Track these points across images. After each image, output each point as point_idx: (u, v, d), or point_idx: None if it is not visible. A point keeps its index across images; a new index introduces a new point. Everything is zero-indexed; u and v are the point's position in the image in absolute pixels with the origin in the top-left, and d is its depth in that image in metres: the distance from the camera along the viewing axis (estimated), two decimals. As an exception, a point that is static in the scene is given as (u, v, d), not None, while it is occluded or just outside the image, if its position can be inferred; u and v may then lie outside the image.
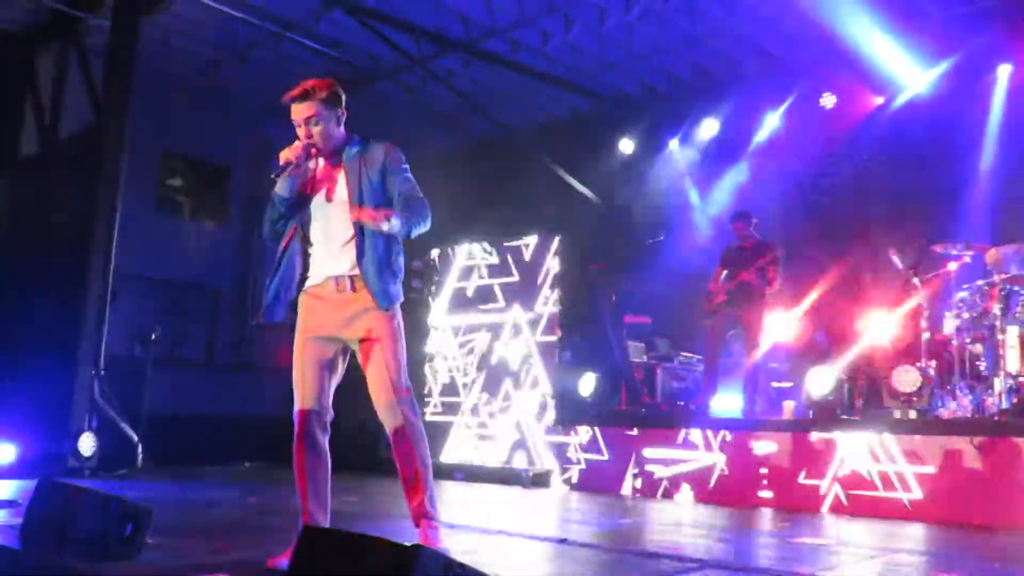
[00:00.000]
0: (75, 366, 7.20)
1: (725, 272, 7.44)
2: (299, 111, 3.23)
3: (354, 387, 10.45)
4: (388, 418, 3.30)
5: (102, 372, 7.32)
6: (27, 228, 8.66)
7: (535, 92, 9.77)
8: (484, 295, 8.56)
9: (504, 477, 7.66)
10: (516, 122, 10.19)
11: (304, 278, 3.33)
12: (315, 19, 8.43)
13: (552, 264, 8.04)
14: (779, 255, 7.19)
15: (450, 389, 8.62)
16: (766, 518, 5.54)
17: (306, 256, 3.33)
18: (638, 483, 6.86)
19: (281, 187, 3.24)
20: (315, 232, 3.31)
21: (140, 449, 7.31)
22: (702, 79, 9.11)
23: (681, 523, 5.28)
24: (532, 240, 8.25)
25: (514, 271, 8.31)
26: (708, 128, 9.14)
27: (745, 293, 7.15)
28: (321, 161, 3.32)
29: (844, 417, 6.39)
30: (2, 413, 7.16)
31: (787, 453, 6.12)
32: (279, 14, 8.37)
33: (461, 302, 8.76)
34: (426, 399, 8.72)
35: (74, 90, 8.38)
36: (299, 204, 3.31)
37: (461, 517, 5.01)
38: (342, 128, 3.34)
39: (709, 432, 6.55)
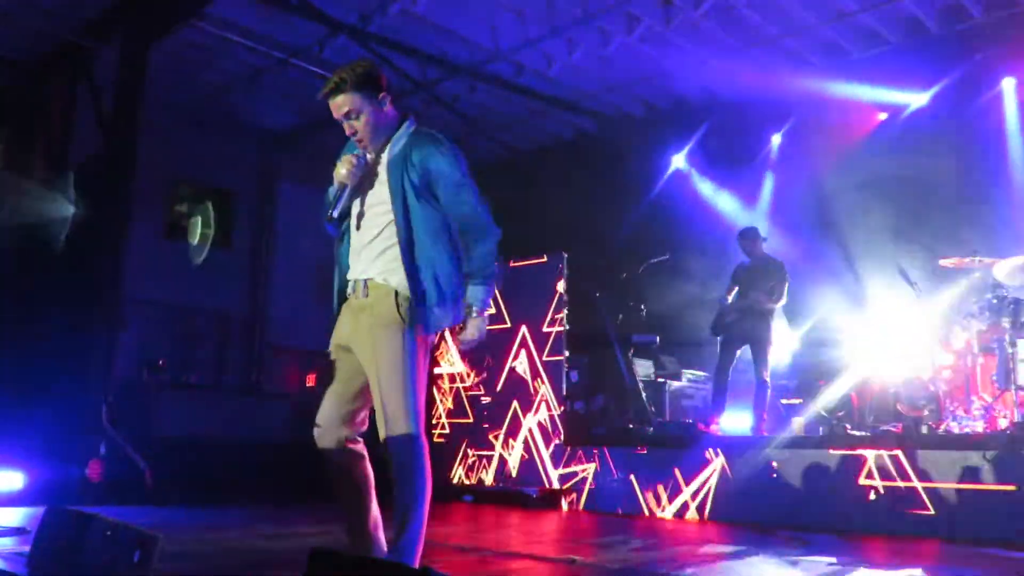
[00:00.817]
0: (84, 392, 7.22)
1: (736, 290, 7.47)
2: (336, 107, 2.82)
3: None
4: (386, 454, 2.80)
5: (111, 398, 7.33)
6: (37, 255, 8.72)
7: (539, 114, 9.84)
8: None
9: (512, 498, 7.62)
10: (521, 144, 10.26)
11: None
12: (320, 46, 8.53)
13: (558, 284, 8.04)
14: (785, 272, 7.21)
15: (457, 409, 8.60)
16: (778, 537, 5.49)
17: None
18: (647, 502, 6.81)
19: (335, 208, 2.87)
20: (351, 228, 2.95)
21: (149, 475, 7.30)
22: (706, 99, 9.16)
23: (691, 542, 5.24)
24: (538, 261, 8.26)
25: (520, 291, 8.31)
26: (713, 146, 9.17)
27: (755, 311, 7.16)
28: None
29: (855, 433, 6.34)
30: (11, 440, 7.17)
31: (798, 469, 6.07)
32: (285, 41, 8.47)
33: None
34: (433, 420, 8.70)
35: (83, 118, 8.46)
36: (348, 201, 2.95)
37: (469, 539, 4.98)
38: (390, 110, 2.89)
39: (719, 450, 6.51)
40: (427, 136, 2.90)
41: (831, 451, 5.94)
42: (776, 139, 8.90)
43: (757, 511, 6.15)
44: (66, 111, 8.80)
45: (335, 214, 2.83)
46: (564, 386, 7.79)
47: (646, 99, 9.46)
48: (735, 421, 7.46)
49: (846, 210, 8.09)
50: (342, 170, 2.82)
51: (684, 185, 9.61)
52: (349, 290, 2.93)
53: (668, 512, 6.66)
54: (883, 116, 8.24)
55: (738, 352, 7.36)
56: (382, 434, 2.77)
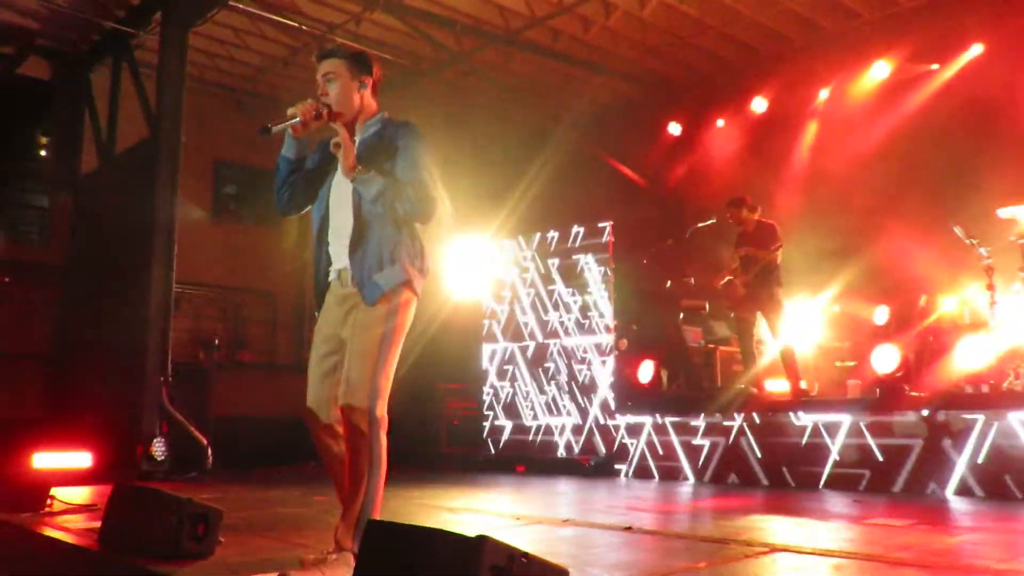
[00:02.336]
0: (143, 374, 7.41)
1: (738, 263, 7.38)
2: (321, 69, 2.97)
3: (409, 384, 10.47)
4: (345, 422, 2.82)
5: (169, 378, 7.51)
6: (91, 242, 8.94)
7: (578, 80, 9.71)
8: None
9: (566, 467, 7.65)
10: (559, 111, 10.15)
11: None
12: (356, 21, 8.51)
13: (604, 251, 7.98)
14: (777, 233, 7.13)
15: (509, 378, 8.64)
16: (836, 500, 5.42)
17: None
18: (701, 468, 6.79)
19: (286, 146, 2.98)
20: (331, 215, 3.01)
21: (209, 451, 7.48)
22: (748, 57, 8.95)
23: (748, 507, 5.21)
24: (582, 229, 8.20)
25: (566, 260, 8.28)
26: (756, 106, 8.96)
27: (758, 281, 7.07)
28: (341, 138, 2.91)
29: (913, 394, 6.21)
30: (79, 422, 7.41)
31: (855, 433, 5.98)
32: (321, 18, 8.47)
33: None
34: (489, 393, 8.76)
35: (128, 105, 8.60)
36: (317, 179, 3.05)
37: (524, 508, 5.02)
38: (367, 99, 3.01)
39: (773, 415, 6.44)
40: (400, 122, 3.03)
41: (889, 413, 5.83)
42: (824, 94, 8.64)
43: (814, 475, 6.09)
44: (112, 99, 8.94)
45: (270, 125, 2.84)
46: (613, 353, 7.77)
47: (686, 60, 9.27)
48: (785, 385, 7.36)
49: (896, 165, 7.83)
50: (298, 110, 2.87)
51: (727, 146, 9.41)
52: (335, 280, 3.00)
53: (724, 478, 6.62)
54: (934, 67, 7.93)
55: (752, 320, 7.24)
56: (341, 403, 2.82)
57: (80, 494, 5.29)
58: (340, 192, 2.98)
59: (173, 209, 7.70)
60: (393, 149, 2.93)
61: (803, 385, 6.95)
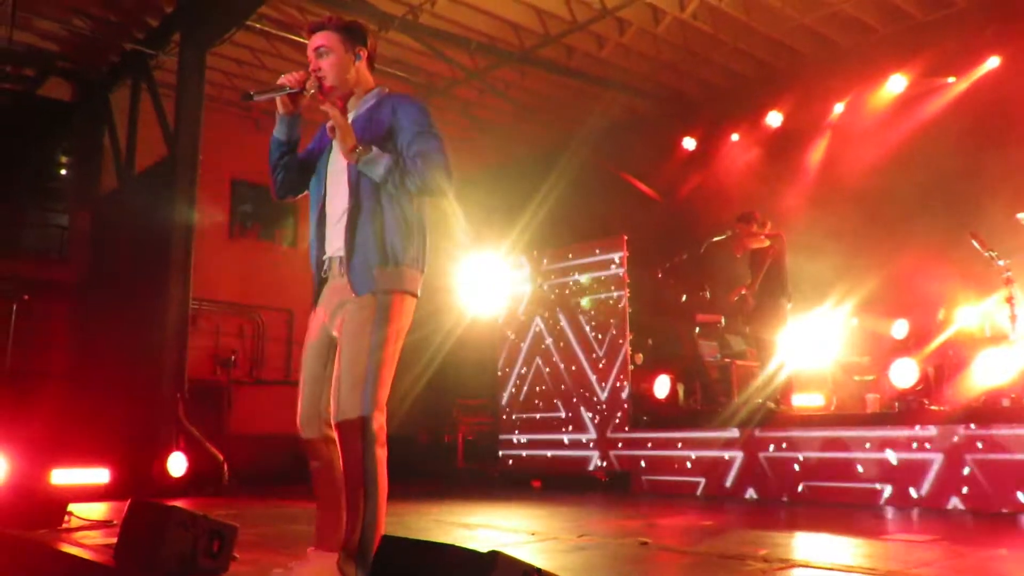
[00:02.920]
0: (160, 390, 7.46)
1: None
2: (312, 42, 2.77)
3: (425, 400, 10.44)
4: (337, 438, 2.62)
5: (186, 395, 7.55)
6: (110, 260, 9.03)
7: (592, 97, 9.74)
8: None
9: (582, 482, 7.61)
10: (574, 128, 10.18)
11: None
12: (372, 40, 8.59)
13: (619, 266, 7.97)
14: (776, 249, 7.16)
15: (525, 393, 8.62)
16: (855, 515, 5.36)
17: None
18: (718, 483, 6.73)
19: (278, 128, 2.79)
20: (327, 200, 2.81)
21: (225, 468, 7.50)
22: (762, 72, 8.95)
23: (766, 522, 5.15)
24: (597, 244, 8.20)
25: (580, 275, 8.27)
26: (772, 120, 8.95)
27: (763, 293, 7.14)
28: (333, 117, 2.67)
29: (933, 408, 6.14)
30: (97, 438, 7.45)
31: (875, 448, 5.92)
32: (337, 37, 8.55)
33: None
34: (504, 408, 8.75)
35: (147, 125, 8.71)
36: (312, 162, 2.86)
37: (540, 524, 4.99)
38: (362, 72, 2.81)
39: (791, 430, 6.39)
40: (395, 95, 2.83)
41: (910, 427, 5.76)
42: (839, 108, 8.62)
43: (834, 490, 6.02)
44: (131, 119, 9.07)
45: (253, 92, 2.70)
46: (629, 368, 7.74)
47: (700, 76, 9.29)
48: (806, 400, 7.30)
49: (912, 178, 7.77)
50: (287, 79, 2.73)
51: (741, 160, 9.39)
52: (327, 268, 2.80)
53: (742, 492, 6.56)
54: (950, 79, 7.89)
55: (760, 335, 7.22)
56: (332, 418, 2.64)
57: (97, 510, 5.31)
58: (337, 171, 2.77)
59: (191, 227, 7.78)
60: (393, 122, 2.71)
61: (771, 405, 6.91)
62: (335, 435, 2.63)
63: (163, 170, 8.12)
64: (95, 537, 4.20)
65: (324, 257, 2.80)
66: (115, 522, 4.37)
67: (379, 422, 2.58)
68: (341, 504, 2.64)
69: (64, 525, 4.54)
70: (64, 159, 9.28)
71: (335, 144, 2.73)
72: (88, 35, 8.56)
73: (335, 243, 2.75)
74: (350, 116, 2.78)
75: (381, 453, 2.58)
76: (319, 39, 2.76)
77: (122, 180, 9.13)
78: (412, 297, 2.75)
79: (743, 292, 7.39)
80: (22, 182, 8.88)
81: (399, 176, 2.61)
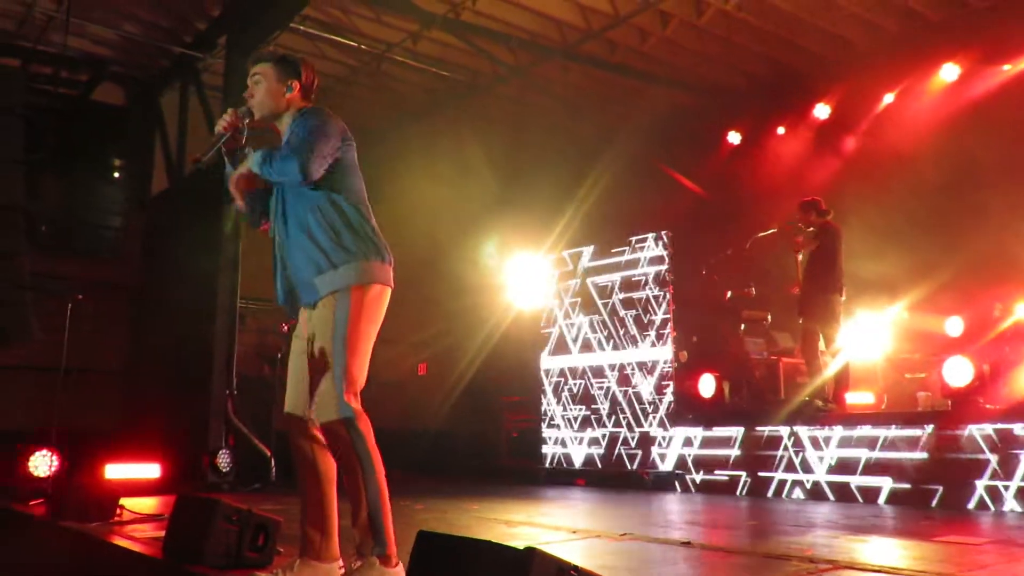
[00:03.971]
0: (210, 387, 7.61)
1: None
2: (251, 72, 2.98)
3: (468, 397, 10.46)
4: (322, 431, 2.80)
5: (235, 392, 7.69)
6: (161, 260, 9.24)
7: (635, 92, 9.67)
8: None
9: (626, 480, 7.57)
10: (617, 123, 10.12)
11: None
12: (414, 39, 8.64)
13: (663, 263, 7.89)
14: (832, 239, 6.98)
15: (568, 390, 8.60)
16: (905, 516, 5.23)
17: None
18: (764, 482, 6.63)
19: (229, 167, 2.94)
20: (276, 229, 2.98)
21: (273, 463, 7.63)
22: (809, 63, 8.78)
23: (812, 523, 5.06)
24: (642, 240, 8.14)
25: (624, 272, 8.21)
26: (819, 112, 8.78)
27: (814, 288, 6.98)
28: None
29: (988, 407, 5.97)
30: (149, 435, 7.64)
31: (926, 447, 5.77)
32: (380, 37, 8.63)
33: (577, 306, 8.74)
34: (548, 405, 8.74)
35: (196, 126, 8.89)
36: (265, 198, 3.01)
37: (582, 522, 4.97)
38: (294, 102, 2.97)
39: (839, 428, 6.26)
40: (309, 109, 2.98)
41: (963, 426, 5.61)
42: (888, 97, 8.41)
43: (879, 490, 5.89)
44: (180, 121, 9.26)
45: (201, 155, 2.87)
46: (673, 365, 7.67)
47: (744, 68, 9.15)
48: (858, 397, 7.16)
49: (963, 171, 7.56)
50: (221, 125, 2.89)
51: (789, 153, 9.22)
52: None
53: (786, 492, 6.46)
54: (1005, 67, 7.65)
55: (813, 328, 7.05)
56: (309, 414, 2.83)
57: (148, 504, 5.44)
58: (275, 202, 2.96)
59: (239, 227, 7.91)
60: (287, 134, 2.92)
61: (819, 403, 6.76)
62: (315, 431, 2.82)
63: (211, 171, 8.24)
64: (145, 530, 4.30)
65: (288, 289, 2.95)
66: (165, 516, 4.47)
67: (356, 404, 2.74)
68: (326, 502, 2.85)
69: (116, 518, 4.66)
70: (117, 162, 9.51)
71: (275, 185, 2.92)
72: (139, 40, 8.77)
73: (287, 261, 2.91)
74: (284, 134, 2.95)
75: (366, 429, 2.73)
76: (257, 70, 2.97)
77: (172, 181, 9.33)
78: (369, 286, 2.81)
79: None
80: (77, 184, 9.12)
81: (270, 159, 2.79)
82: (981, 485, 5.43)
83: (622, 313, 8.15)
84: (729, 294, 8.32)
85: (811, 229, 7.11)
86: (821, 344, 7.03)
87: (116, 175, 9.52)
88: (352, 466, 2.72)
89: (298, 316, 3.00)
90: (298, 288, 2.87)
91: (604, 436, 8.11)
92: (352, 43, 8.58)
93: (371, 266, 2.82)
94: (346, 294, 2.77)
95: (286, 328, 2.63)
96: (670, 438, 7.49)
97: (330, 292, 2.77)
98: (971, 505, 5.44)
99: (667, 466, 7.44)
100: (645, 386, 7.82)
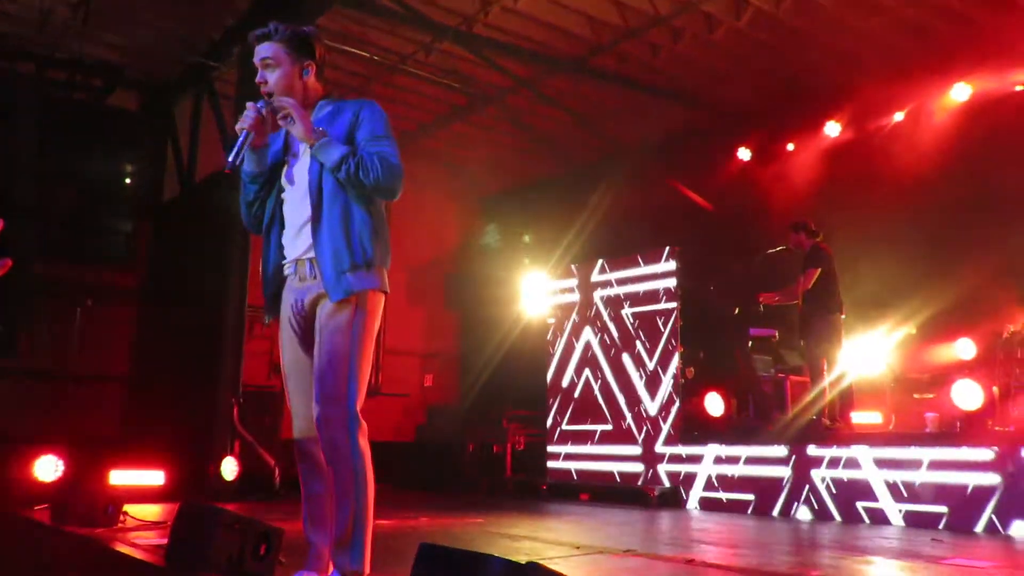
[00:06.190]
0: (216, 395, 7.60)
1: None
2: (258, 53, 2.75)
3: (475, 410, 10.47)
4: (320, 436, 2.67)
5: (241, 400, 7.69)
6: (169, 266, 9.27)
7: (645, 106, 9.68)
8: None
9: (631, 497, 7.53)
10: (627, 138, 10.13)
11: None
12: (426, 51, 8.68)
13: (671, 278, 7.88)
14: (811, 260, 7.06)
15: (574, 405, 8.57)
16: (912, 538, 5.19)
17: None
18: (770, 501, 6.58)
19: (248, 163, 2.76)
20: (284, 208, 2.81)
21: (277, 473, 7.61)
22: (821, 80, 8.77)
23: (818, 543, 5.02)
24: (650, 255, 8.13)
25: (632, 287, 8.20)
26: (829, 130, 8.77)
27: (809, 308, 7.04)
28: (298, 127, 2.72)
29: (996, 429, 5.93)
30: (154, 441, 7.64)
31: (934, 468, 5.72)
32: (392, 48, 8.68)
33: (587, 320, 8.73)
34: (553, 419, 8.72)
35: (208, 135, 8.93)
36: (272, 175, 2.84)
37: (586, 537, 4.95)
38: (312, 84, 2.80)
39: (846, 448, 6.22)
40: (354, 100, 2.83)
41: (971, 448, 5.57)
42: (899, 116, 8.40)
43: (888, 510, 5.84)
44: (192, 129, 9.31)
45: (230, 159, 2.66)
46: (680, 382, 7.64)
47: (756, 85, 9.15)
48: (866, 418, 7.12)
49: (976, 190, 7.52)
50: (243, 124, 2.69)
51: (799, 170, 9.20)
52: (291, 273, 2.80)
53: (793, 511, 6.41)
54: (1018, 87, 7.63)
55: (820, 349, 7.03)
56: (314, 412, 2.69)
57: (152, 511, 5.44)
58: (295, 174, 2.77)
59: (248, 236, 7.92)
60: (350, 123, 2.71)
61: (826, 422, 6.75)
62: (318, 432, 2.68)
63: (221, 179, 8.29)
64: (148, 537, 4.30)
65: (284, 262, 2.80)
66: (168, 523, 4.47)
67: (362, 420, 2.66)
68: (328, 518, 2.73)
69: (120, 525, 4.66)
70: (129, 167, 9.55)
71: (293, 153, 2.76)
72: (155, 47, 8.82)
73: (299, 247, 2.75)
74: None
75: (366, 444, 2.66)
76: (264, 50, 2.74)
77: (183, 188, 9.37)
78: (383, 294, 2.76)
79: (776, 298, 7.48)
80: (89, 189, 9.16)
81: (354, 166, 2.60)
82: (989, 508, 5.38)
83: (629, 328, 8.13)
84: (737, 311, 8.30)
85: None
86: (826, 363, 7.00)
87: (127, 181, 9.55)
88: (347, 475, 2.62)
89: (278, 315, 2.84)
90: (324, 277, 2.64)
91: (609, 451, 8.07)
92: (365, 54, 8.62)
93: (385, 273, 2.78)
94: (365, 297, 2.68)
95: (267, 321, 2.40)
96: (676, 455, 7.44)
97: (357, 291, 2.64)
98: (979, 528, 5.39)
99: (672, 483, 7.40)
100: (651, 402, 7.79)
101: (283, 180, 2.83)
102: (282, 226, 2.81)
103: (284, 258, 2.81)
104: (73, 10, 7.91)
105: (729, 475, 6.94)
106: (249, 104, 2.70)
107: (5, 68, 8.05)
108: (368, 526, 2.64)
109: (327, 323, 2.66)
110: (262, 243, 2.88)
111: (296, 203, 2.76)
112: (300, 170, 2.76)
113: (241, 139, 2.67)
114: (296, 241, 2.76)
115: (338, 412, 2.62)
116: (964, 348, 7.34)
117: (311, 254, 2.70)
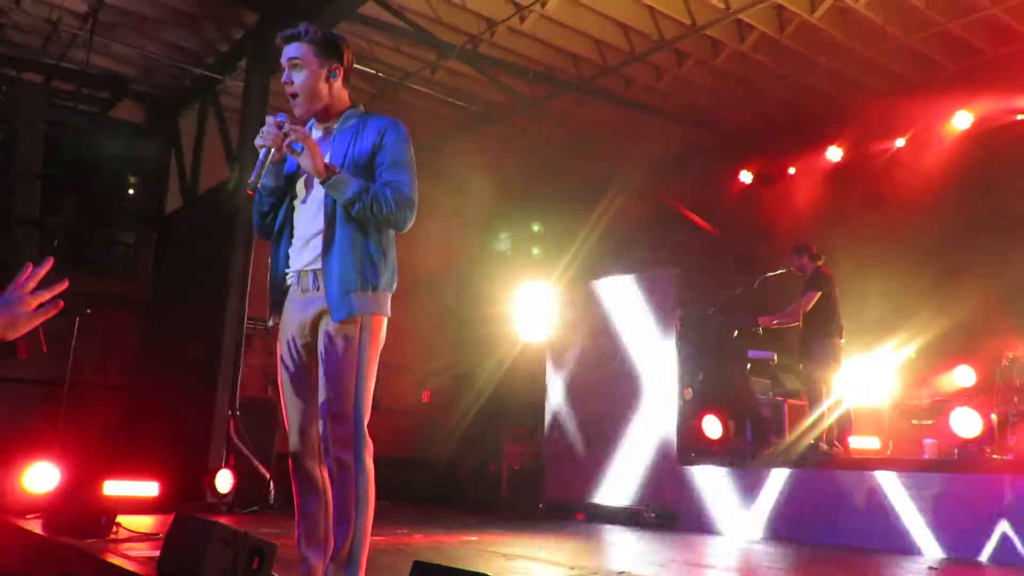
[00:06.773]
0: (213, 407, 7.59)
1: None
2: (286, 53, 2.71)
3: (473, 427, 10.44)
4: (325, 455, 2.66)
5: (238, 412, 7.67)
6: (171, 278, 9.28)
7: (649, 127, 9.72)
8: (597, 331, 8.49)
9: (626, 517, 7.49)
10: (630, 158, 10.16)
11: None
12: (431, 69, 8.73)
13: (669, 299, 7.88)
14: (810, 286, 7.06)
15: (571, 424, 8.54)
16: (911, 565, 5.15)
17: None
18: (766, 524, 6.55)
19: (267, 178, 2.73)
20: (295, 216, 2.79)
21: (272, 486, 7.58)
22: (823, 105, 8.82)
23: (815, 568, 4.99)
24: (648, 275, 8.13)
25: (632, 308, 8.20)
26: (831, 155, 8.81)
27: (808, 331, 7.04)
28: (316, 132, 2.77)
29: (995, 457, 5.91)
30: (150, 452, 7.62)
31: (933, 495, 5.69)
32: (397, 65, 8.73)
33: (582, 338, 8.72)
34: (550, 438, 8.68)
35: (212, 147, 8.96)
36: (287, 183, 2.81)
37: (580, 558, 4.92)
38: (338, 90, 2.78)
39: (843, 473, 6.20)
40: (381, 116, 2.80)
41: (970, 476, 5.54)
42: (900, 142, 8.44)
43: (885, 536, 5.81)
44: (197, 141, 9.34)
45: (252, 179, 2.63)
46: (678, 403, 7.62)
47: (759, 109, 9.20)
48: (863, 442, 7.10)
49: (974, 218, 7.54)
50: (266, 140, 2.65)
51: (800, 194, 9.24)
52: (294, 284, 2.79)
53: (790, 534, 6.38)
54: (1021, 116, 7.67)
55: (820, 373, 7.03)
56: (320, 431, 2.68)
57: (145, 522, 5.41)
58: (312, 191, 2.76)
59: (249, 249, 7.94)
60: (373, 144, 2.70)
61: (824, 446, 6.73)
62: (323, 450, 2.67)
63: (225, 192, 8.32)
64: (141, 549, 4.27)
65: (288, 271, 2.80)
66: (161, 535, 4.44)
67: (365, 437, 2.64)
68: (323, 535, 2.72)
69: (112, 536, 4.63)
70: (132, 179, 9.59)
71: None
72: (162, 60, 8.88)
73: (305, 258, 2.74)
74: (332, 133, 2.79)
75: (370, 463, 2.64)
76: (293, 51, 2.71)
77: (186, 200, 9.40)
78: (386, 317, 2.76)
79: (775, 321, 7.47)
80: (93, 200, 9.19)
81: (368, 201, 2.61)
82: (991, 536, 5.35)
83: (628, 348, 8.12)
84: (736, 333, 8.30)
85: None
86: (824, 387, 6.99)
87: (131, 192, 9.59)
88: (348, 494, 2.61)
89: (272, 323, 2.84)
90: (329, 296, 2.64)
91: (606, 471, 8.04)
92: (371, 70, 8.67)
93: (389, 297, 2.78)
94: (370, 320, 2.67)
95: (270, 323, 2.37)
96: (674, 476, 7.41)
97: (360, 314, 2.63)
98: (983, 557, 5.36)
99: (669, 504, 7.36)
100: (648, 423, 7.77)
101: (297, 188, 2.82)
102: (291, 235, 2.81)
103: (288, 267, 2.81)
104: (81, 21, 7.96)
105: (726, 497, 6.90)
106: (269, 119, 2.67)
107: (12, 78, 8.09)
108: (366, 544, 2.63)
109: (332, 342, 2.65)
110: (270, 248, 2.87)
111: (309, 216, 2.76)
112: (315, 183, 2.75)
113: (262, 157, 2.64)
114: (303, 252, 2.75)
115: (344, 430, 2.60)
116: (963, 375, 7.34)
117: (316, 265, 2.69)
